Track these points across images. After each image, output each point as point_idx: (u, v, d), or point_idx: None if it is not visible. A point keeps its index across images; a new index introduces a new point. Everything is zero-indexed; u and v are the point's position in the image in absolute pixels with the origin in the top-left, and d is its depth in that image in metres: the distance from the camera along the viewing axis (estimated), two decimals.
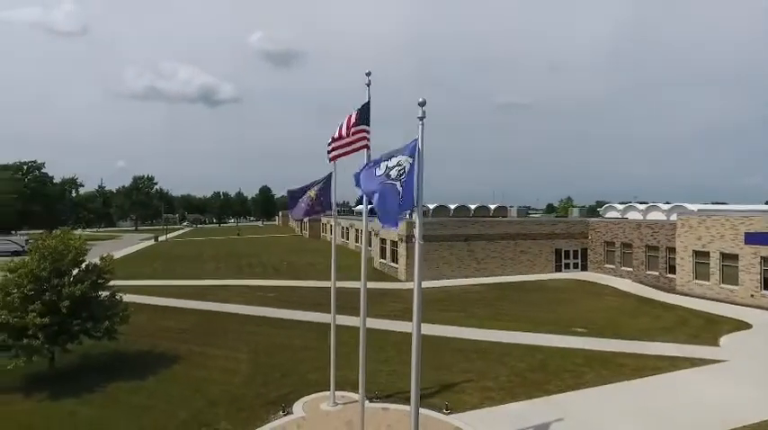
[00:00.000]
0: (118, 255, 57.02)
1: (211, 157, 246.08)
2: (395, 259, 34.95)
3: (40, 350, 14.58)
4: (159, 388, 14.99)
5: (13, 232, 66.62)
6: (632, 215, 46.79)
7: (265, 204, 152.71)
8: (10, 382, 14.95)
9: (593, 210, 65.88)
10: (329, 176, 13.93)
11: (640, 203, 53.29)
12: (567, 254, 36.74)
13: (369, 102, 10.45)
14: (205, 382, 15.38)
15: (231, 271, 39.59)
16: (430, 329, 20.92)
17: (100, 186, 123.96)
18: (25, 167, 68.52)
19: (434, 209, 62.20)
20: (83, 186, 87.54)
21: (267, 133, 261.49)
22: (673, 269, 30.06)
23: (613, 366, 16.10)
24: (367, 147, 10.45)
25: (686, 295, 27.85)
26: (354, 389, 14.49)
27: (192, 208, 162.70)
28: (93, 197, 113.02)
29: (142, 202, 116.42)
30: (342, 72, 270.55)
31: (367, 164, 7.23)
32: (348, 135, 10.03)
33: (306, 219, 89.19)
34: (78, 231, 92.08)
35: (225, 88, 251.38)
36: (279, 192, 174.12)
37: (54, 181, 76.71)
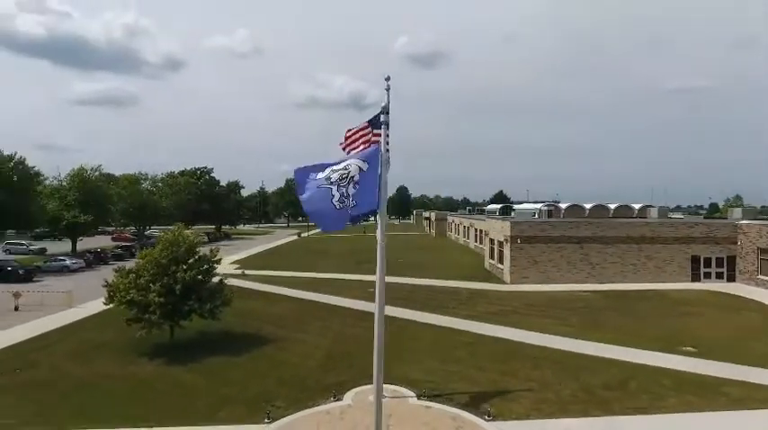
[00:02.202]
0: (265, 247, 64.94)
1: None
2: (501, 260, 33.85)
3: (158, 324, 17.77)
4: (248, 365, 17.14)
5: (189, 227, 79.87)
6: None
7: (401, 203, 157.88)
8: (142, 349, 18.44)
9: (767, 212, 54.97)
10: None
11: None
12: (707, 262, 31.58)
13: (388, 104, 10.79)
14: (284, 364, 17.14)
15: (347, 266, 42.25)
16: (511, 334, 20.21)
17: (261, 188, 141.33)
18: (198, 172, 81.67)
19: (567, 208, 58.21)
20: (243, 188, 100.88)
21: (408, 133, 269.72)
22: None
23: (710, 394, 13.85)
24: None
25: None
26: (411, 385, 14.96)
27: None
28: (253, 197, 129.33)
29: (292, 202, 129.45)
30: (487, 70, 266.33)
31: (313, 165, 7.57)
32: (367, 134, 10.37)
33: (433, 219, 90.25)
34: (240, 226, 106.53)
35: (372, 93, 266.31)
36: (416, 191, 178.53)
37: (221, 183, 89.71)
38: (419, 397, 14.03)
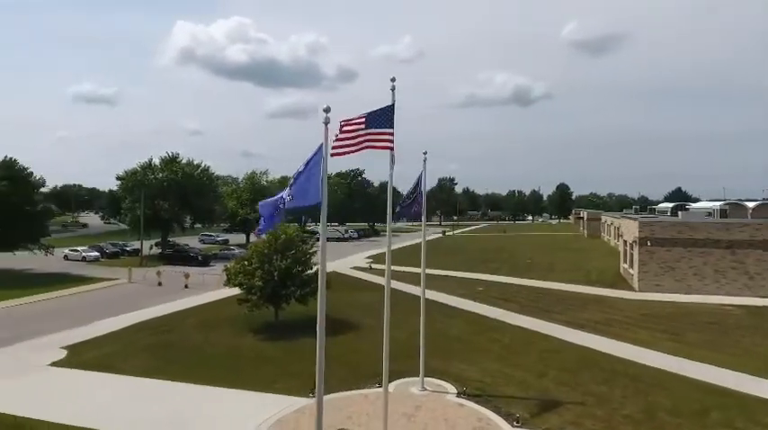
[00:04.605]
0: (406, 244, 67.61)
1: (521, 155, 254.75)
2: (633, 264, 30.14)
3: (259, 305, 20.73)
4: (327, 347, 18.67)
5: (344, 224, 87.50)
6: None
7: (562, 202, 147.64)
8: (252, 325, 21.55)
9: None
10: (419, 176, 14.94)
11: None
12: None
13: (393, 105, 11.17)
14: (355, 350, 18.49)
15: (471, 264, 41.97)
16: (602, 344, 18.49)
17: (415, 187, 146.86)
18: (352, 174, 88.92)
19: (756, 207, 49.00)
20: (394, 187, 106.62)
21: (576, 127, 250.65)
22: None
23: None
24: (391, 148, 11.16)
25: None
26: (460, 382, 14.98)
27: (495, 205, 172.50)
28: (401, 196, 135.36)
29: (444, 200, 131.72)
30: (671, 50, 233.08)
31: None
32: (362, 133, 10.70)
33: (575, 218, 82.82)
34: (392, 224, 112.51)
35: (537, 86, 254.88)
36: (578, 189, 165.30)
37: (373, 184, 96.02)
38: (458, 394, 14.02)
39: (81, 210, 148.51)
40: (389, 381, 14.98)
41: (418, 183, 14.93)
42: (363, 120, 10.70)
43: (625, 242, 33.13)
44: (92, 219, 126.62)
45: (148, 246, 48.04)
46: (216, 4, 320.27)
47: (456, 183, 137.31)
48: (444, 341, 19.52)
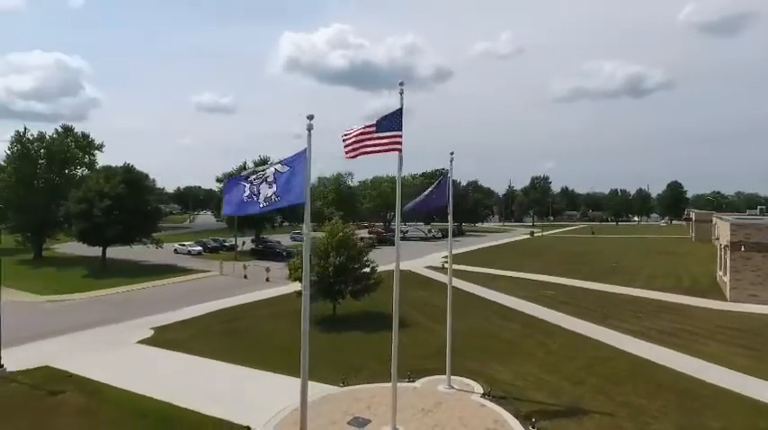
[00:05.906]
0: (489, 244, 66.36)
1: (630, 151, 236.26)
2: (726, 271, 27.03)
3: (316, 298, 22.12)
4: (371, 342, 19.64)
5: (429, 224, 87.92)
6: None
7: (674, 202, 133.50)
8: (313, 318, 22.99)
9: None
10: (444, 175, 15.17)
11: None
12: None
13: (401, 108, 11.54)
14: (401, 346, 19.02)
15: (550, 266, 40.27)
16: (660, 356, 17.28)
17: (510, 186, 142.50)
18: (437, 173, 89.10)
19: None
20: (483, 187, 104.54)
21: (699, 118, 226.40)
22: None
23: None
24: (399, 150, 11.54)
25: None
26: (490, 384, 15.05)
27: (595, 205, 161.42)
28: (494, 195, 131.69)
29: (538, 200, 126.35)
30: None
31: (245, 174, 9.19)
32: (373, 137, 11.23)
33: (689, 221, 74.54)
34: (479, 224, 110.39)
35: (653, 75, 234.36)
36: (698, 188, 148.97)
37: (461, 184, 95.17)
38: (483, 395, 14.04)
39: (200, 209, 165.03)
40: (420, 378, 15.49)
41: (440, 182, 15.17)
42: (373, 125, 11.32)
43: (720, 246, 29.79)
44: (208, 217, 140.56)
45: (241, 242, 52.60)
46: (317, 13, 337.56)
47: (550, 182, 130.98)
48: (491, 342, 19.42)
